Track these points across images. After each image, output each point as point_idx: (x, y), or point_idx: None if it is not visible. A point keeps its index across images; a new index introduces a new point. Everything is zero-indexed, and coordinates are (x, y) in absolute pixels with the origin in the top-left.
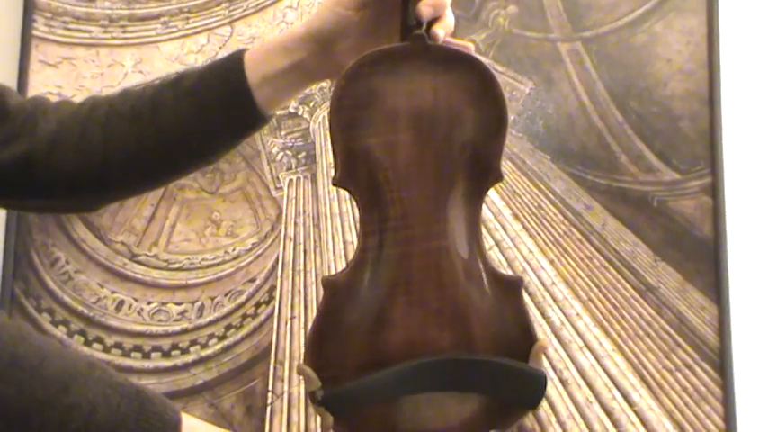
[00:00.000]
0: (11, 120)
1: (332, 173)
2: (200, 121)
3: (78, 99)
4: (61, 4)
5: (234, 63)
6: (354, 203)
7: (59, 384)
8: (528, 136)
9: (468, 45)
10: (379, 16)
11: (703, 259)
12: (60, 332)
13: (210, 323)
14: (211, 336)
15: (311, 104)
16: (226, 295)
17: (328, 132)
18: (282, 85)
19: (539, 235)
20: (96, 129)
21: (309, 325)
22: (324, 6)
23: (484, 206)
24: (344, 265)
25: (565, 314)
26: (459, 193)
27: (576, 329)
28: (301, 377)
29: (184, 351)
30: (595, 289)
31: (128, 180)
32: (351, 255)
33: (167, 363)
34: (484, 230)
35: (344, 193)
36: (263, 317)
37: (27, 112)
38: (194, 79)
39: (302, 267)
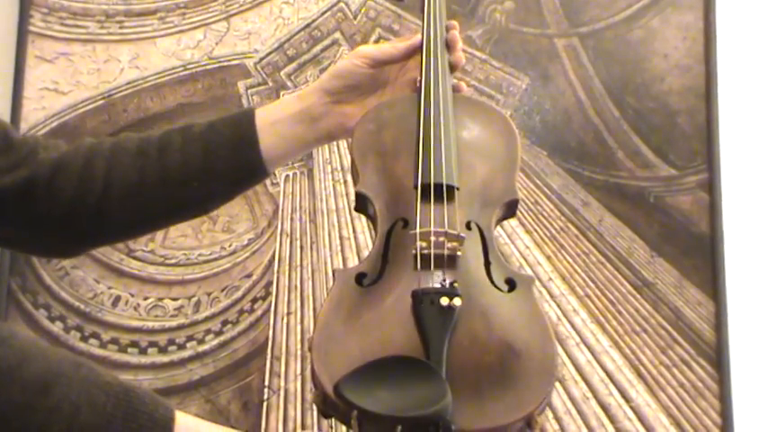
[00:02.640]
0: (15, 151)
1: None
2: (205, 164)
3: (75, 94)
4: None
5: (245, 113)
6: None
7: (39, 386)
8: (524, 131)
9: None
10: (383, 79)
11: (700, 255)
12: (57, 328)
13: (207, 319)
14: (208, 331)
15: None
16: (222, 291)
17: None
18: (287, 133)
19: (535, 231)
20: (100, 159)
21: (305, 320)
22: (342, 59)
23: None
24: (341, 261)
25: (561, 310)
26: None
27: (572, 325)
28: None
29: (181, 347)
30: (592, 285)
31: (123, 216)
32: (347, 250)
33: (164, 358)
34: None
35: (341, 189)
36: (259, 312)
37: (29, 145)
38: (205, 126)
39: (299, 263)
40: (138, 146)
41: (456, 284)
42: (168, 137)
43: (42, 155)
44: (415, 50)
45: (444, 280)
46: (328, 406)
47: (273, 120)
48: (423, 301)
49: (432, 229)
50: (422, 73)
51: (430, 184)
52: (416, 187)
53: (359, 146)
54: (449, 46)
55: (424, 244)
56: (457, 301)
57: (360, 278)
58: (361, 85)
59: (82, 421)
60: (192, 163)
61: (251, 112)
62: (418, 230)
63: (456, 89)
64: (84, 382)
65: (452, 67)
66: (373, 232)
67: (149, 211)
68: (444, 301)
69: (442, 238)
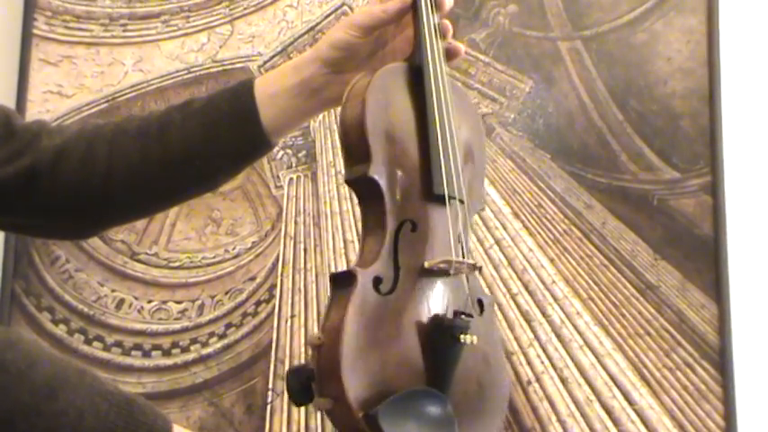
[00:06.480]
0: (17, 139)
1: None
2: (206, 141)
3: (79, 97)
4: (62, 2)
5: (244, 85)
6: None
7: (47, 390)
8: (528, 134)
9: (459, 47)
10: (382, 40)
11: (703, 258)
12: (61, 331)
13: (211, 322)
14: (212, 334)
15: None
16: (226, 294)
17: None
18: (288, 105)
19: (539, 233)
20: (102, 143)
21: (309, 323)
22: (336, 29)
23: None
24: (344, 264)
25: (565, 313)
26: None
27: (576, 328)
28: None
29: (185, 350)
30: (595, 288)
31: (129, 198)
32: (351, 253)
33: (168, 361)
34: (485, 229)
35: (344, 192)
36: (263, 315)
37: (32, 132)
38: (203, 101)
39: (302, 266)
40: (138, 126)
41: (469, 317)
42: (168, 115)
43: (45, 142)
44: (406, 10)
45: (457, 312)
46: (334, 415)
47: (273, 92)
48: (445, 333)
49: (453, 258)
50: (417, 45)
51: (444, 195)
52: (429, 195)
53: (372, 120)
54: (437, 4)
55: (443, 266)
56: (475, 339)
57: (377, 283)
58: (359, 53)
59: (85, 427)
60: (193, 141)
61: (250, 85)
62: (438, 259)
63: (454, 52)
64: (89, 389)
65: (442, 33)
66: (365, 209)
67: (156, 192)
68: (467, 338)
69: (457, 265)
